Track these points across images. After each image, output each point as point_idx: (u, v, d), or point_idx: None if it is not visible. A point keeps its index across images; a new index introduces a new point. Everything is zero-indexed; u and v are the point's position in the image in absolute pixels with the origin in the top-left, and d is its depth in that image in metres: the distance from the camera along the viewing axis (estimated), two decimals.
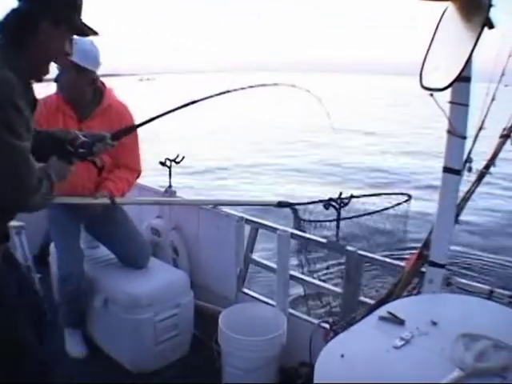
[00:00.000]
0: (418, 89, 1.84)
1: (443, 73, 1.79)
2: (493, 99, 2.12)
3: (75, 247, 3.02)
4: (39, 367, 1.90)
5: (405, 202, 3.03)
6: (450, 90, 1.91)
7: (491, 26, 1.68)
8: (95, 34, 1.78)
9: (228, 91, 2.46)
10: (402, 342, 1.52)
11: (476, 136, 2.13)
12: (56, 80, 2.80)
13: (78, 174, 2.77)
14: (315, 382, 1.39)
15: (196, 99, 2.40)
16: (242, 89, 2.50)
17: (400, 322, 1.65)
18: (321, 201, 3.07)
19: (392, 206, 2.93)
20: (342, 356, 1.47)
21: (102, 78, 2.94)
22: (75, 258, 2.98)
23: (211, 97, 2.42)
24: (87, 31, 1.76)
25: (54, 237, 3.12)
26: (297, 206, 3.13)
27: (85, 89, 2.86)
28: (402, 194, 3.23)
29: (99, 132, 2.13)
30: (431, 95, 1.82)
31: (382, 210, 3.02)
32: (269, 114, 27.97)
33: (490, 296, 2.11)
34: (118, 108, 2.98)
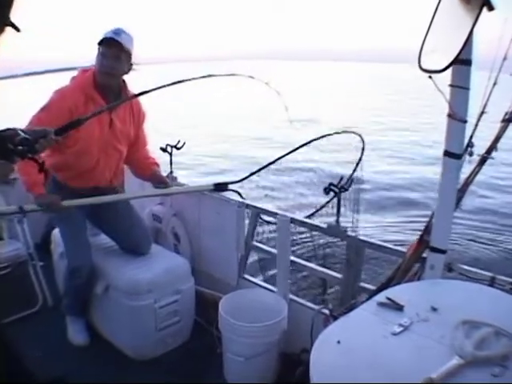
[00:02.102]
0: None
1: (442, 55, 1.75)
2: (495, 83, 2.08)
3: (84, 240, 3.01)
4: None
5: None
6: (450, 73, 1.88)
7: (491, 8, 1.63)
8: (18, 30, 1.75)
9: (179, 81, 2.55)
10: (401, 329, 1.50)
11: (478, 120, 2.09)
12: (103, 67, 2.75)
13: (99, 165, 2.90)
14: (311, 368, 1.37)
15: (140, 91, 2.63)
16: (196, 79, 2.56)
17: (399, 308, 1.63)
18: (261, 169, 3.08)
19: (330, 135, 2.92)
20: (339, 342, 1.45)
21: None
22: (84, 250, 2.97)
23: (160, 88, 2.53)
24: (13, 27, 1.73)
25: (61, 229, 3.09)
26: (237, 186, 3.13)
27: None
28: (354, 132, 3.19)
29: (42, 128, 2.07)
30: (430, 77, 1.79)
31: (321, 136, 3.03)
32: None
33: (491, 282, 2.08)
34: (135, 99, 3.00)
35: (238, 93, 26.94)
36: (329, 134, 3.35)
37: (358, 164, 3.30)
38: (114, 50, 2.71)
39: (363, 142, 3.40)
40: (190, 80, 2.56)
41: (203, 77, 2.53)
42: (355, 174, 3.10)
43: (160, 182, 3.10)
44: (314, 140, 3.25)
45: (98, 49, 2.75)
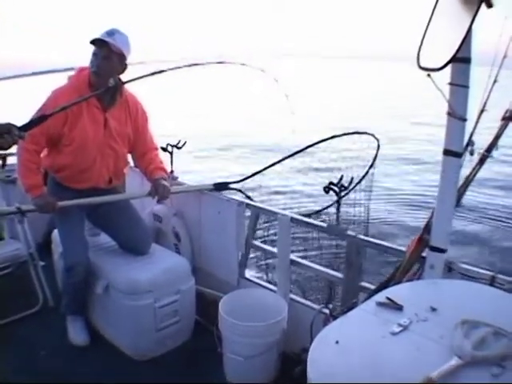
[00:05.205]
0: None
1: (441, 53, 1.74)
2: (495, 81, 2.06)
3: (80, 237, 3.01)
4: None
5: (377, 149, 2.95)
6: (450, 72, 1.87)
7: (489, 5, 1.62)
8: None
9: (161, 71, 2.53)
10: (400, 329, 1.48)
11: (478, 118, 2.07)
12: (93, 66, 2.75)
13: (96, 165, 2.90)
14: (308, 368, 1.36)
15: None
16: (179, 67, 2.48)
17: (398, 308, 1.61)
18: (264, 169, 2.99)
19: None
20: (337, 342, 1.43)
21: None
22: (81, 248, 2.96)
23: (144, 77, 2.53)
24: None
25: (58, 227, 3.10)
26: (237, 186, 3.07)
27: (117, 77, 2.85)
28: (366, 133, 3.02)
29: (6, 123, 1.99)
30: (428, 76, 1.77)
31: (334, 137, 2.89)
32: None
33: (492, 282, 2.06)
34: (132, 98, 3.01)
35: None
36: (338, 135, 3.26)
37: (372, 164, 3.21)
38: (104, 50, 2.71)
39: (378, 140, 3.30)
40: (172, 69, 2.51)
41: (188, 65, 2.48)
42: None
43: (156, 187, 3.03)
44: (322, 141, 3.18)
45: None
